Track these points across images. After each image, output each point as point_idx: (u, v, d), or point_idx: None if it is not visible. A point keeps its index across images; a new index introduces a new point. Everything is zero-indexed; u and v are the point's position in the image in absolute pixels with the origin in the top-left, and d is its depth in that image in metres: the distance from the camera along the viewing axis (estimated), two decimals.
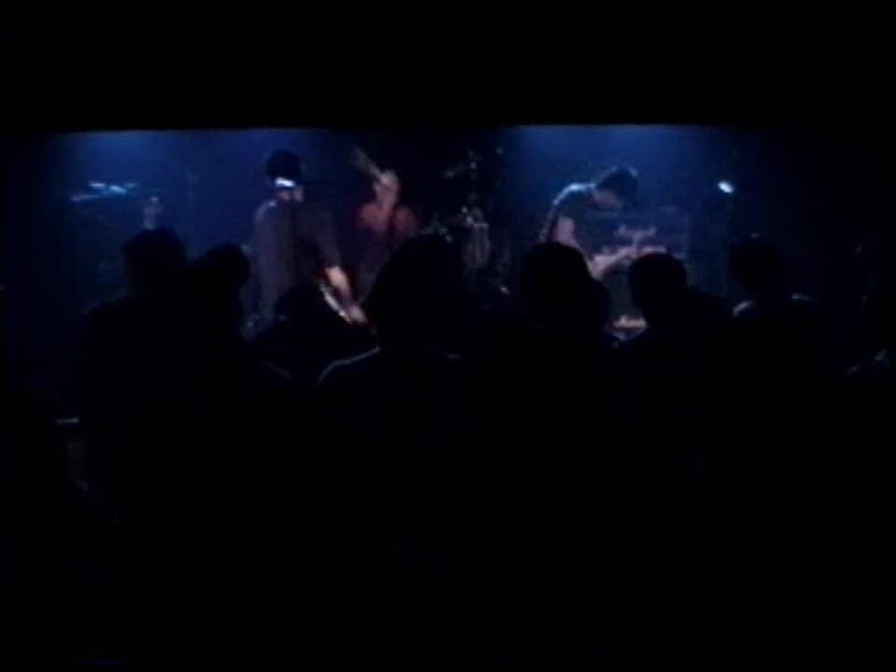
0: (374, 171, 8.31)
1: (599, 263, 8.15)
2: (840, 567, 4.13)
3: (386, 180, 8.46)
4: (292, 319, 5.68)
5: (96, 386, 5.38)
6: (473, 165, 8.51)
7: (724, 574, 4.15)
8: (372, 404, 4.37)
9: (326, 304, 7.09)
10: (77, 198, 8.20)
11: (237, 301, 4.41)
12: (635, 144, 8.45)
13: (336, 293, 7.45)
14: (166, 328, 5.27)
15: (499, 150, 8.64)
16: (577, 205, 8.38)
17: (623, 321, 7.51)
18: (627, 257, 8.01)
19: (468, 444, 4.27)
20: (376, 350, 4.45)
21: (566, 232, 8.27)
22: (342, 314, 7.12)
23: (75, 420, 5.32)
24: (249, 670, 4.09)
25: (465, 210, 8.53)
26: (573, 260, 4.62)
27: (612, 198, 8.38)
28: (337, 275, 7.55)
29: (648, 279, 5.31)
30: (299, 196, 7.61)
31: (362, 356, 4.47)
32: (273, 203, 7.71)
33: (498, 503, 4.21)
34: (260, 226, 7.75)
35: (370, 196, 8.53)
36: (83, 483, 4.24)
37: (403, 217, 8.38)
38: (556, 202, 8.41)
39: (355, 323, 7.08)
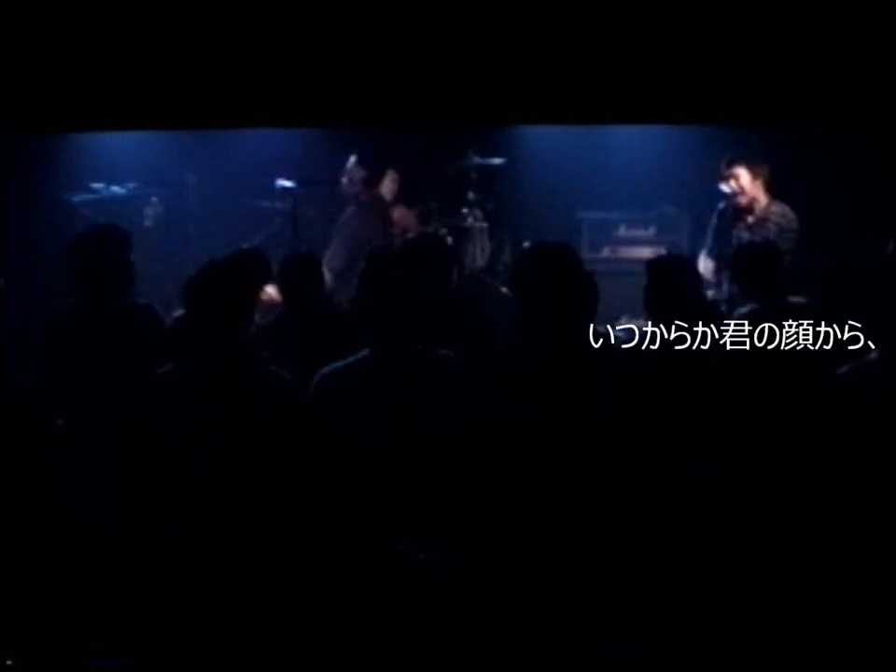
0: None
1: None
2: (839, 566, 4.13)
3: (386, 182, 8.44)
4: (298, 311, 5.70)
5: (74, 396, 5.31)
6: (476, 159, 8.50)
7: (727, 576, 4.15)
8: (368, 406, 4.36)
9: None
10: (77, 198, 8.20)
11: (251, 304, 4.41)
12: (635, 144, 8.45)
13: None
14: (125, 330, 5.26)
15: (500, 160, 8.61)
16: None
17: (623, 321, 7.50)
18: None
19: (468, 444, 4.27)
20: (366, 352, 4.42)
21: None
22: None
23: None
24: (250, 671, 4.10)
25: (465, 210, 8.54)
26: (564, 259, 4.60)
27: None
28: None
29: (663, 281, 5.27)
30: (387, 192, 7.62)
31: (351, 358, 4.45)
32: (355, 207, 7.72)
33: (500, 502, 4.21)
34: (355, 228, 7.67)
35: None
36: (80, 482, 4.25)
37: (400, 215, 8.35)
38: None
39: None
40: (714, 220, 7.52)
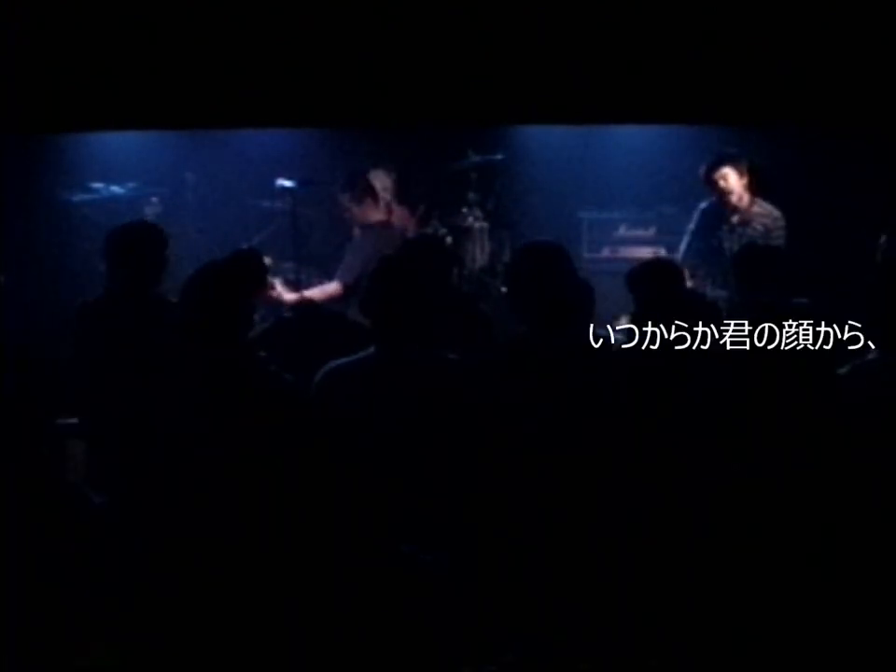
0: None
1: None
2: (839, 566, 4.13)
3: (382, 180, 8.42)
4: (296, 315, 5.72)
5: (91, 385, 5.35)
6: (476, 158, 8.49)
7: (726, 576, 4.15)
8: (371, 404, 4.37)
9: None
10: (76, 198, 8.20)
11: (250, 305, 4.42)
12: (635, 144, 8.45)
13: None
14: (149, 323, 5.28)
15: (500, 156, 8.61)
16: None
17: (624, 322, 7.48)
18: None
19: (471, 444, 4.28)
20: (371, 350, 4.44)
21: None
22: None
23: (74, 420, 5.32)
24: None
25: (465, 210, 8.54)
26: (557, 258, 4.61)
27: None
28: None
29: (648, 284, 5.29)
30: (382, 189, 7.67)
31: (358, 355, 4.46)
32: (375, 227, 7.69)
33: (502, 502, 4.21)
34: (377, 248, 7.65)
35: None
36: (83, 483, 4.24)
37: (399, 214, 8.35)
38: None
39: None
40: (696, 217, 7.52)
